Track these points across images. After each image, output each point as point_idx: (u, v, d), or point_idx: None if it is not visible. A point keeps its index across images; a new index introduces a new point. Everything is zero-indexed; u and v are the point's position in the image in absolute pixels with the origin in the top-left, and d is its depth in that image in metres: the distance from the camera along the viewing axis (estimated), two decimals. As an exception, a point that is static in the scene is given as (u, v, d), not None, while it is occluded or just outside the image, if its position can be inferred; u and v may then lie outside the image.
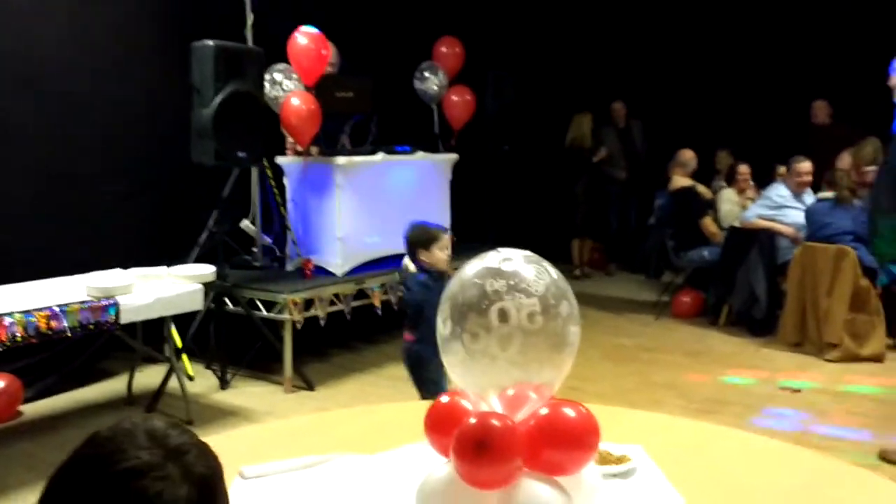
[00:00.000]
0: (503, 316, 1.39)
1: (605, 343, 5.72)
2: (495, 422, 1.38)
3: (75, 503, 0.82)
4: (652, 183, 7.39)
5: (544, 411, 1.44)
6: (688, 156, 6.69)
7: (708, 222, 6.51)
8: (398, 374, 5.04)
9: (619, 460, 1.76)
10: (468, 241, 6.29)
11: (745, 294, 6.12)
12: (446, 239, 3.38)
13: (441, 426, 1.49)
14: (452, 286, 1.47)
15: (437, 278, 3.30)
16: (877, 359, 5.24)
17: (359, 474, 1.74)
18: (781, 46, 7.20)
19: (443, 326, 1.47)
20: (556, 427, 1.40)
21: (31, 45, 4.55)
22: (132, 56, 5.05)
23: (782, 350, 5.50)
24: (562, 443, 1.39)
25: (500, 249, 1.44)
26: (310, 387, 4.79)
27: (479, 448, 1.35)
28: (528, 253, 1.44)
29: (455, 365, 1.46)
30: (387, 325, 5.74)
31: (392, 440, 1.93)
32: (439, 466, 1.47)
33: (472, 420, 1.39)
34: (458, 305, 1.44)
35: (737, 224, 6.31)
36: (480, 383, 1.44)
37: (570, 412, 1.43)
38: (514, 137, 7.03)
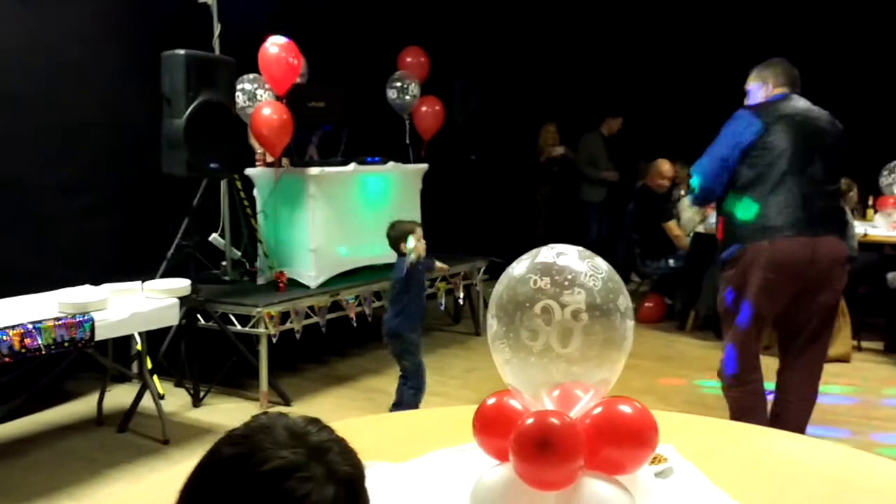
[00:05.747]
0: (555, 313, 1.36)
1: (578, 350, 5.73)
2: (554, 420, 1.35)
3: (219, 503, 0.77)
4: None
5: (598, 410, 1.42)
6: (662, 167, 6.74)
7: (671, 226, 6.59)
8: (375, 387, 5.01)
9: (655, 460, 1.74)
10: (439, 251, 6.27)
11: (710, 299, 6.21)
12: (420, 230, 4.05)
13: (492, 428, 1.46)
14: (501, 284, 1.44)
15: (418, 265, 4.01)
16: (843, 359, 5.37)
17: (395, 482, 1.68)
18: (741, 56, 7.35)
19: (492, 322, 1.44)
20: (616, 425, 1.38)
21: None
22: (94, 65, 4.90)
23: (751, 353, 5.58)
24: (622, 440, 1.37)
25: (552, 245, 1.42)
26: (286, 402, 4.69)
27: (542, 448, 1.32)
28: (580, 249, 1.42)
29: (505, 363, 1.43)
30: (360, 337, 5.68)
31: (415, 448, 1.89)
32: (492, 469, 1.43)
33: (530, 420, 1.36)
34: (506, 303, 1.42)
35: (701, 230, 6.42)
36: (534, 381, 1.42)
37: (627, 409, 1.41)
38: (482, 147, 7.05)
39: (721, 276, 3.52)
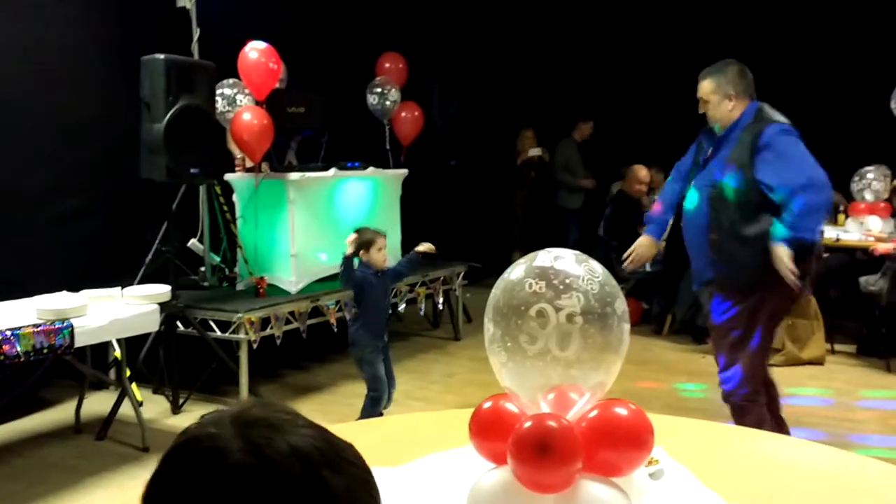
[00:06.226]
0: (550, 316, 1.38)
1: (557, 355, 5.76)
2: (552, 423, 1.37)
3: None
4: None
5: (595, 412, 1.44)
6: (640, 173, 6.81)
7: None
8: (356, 393, 4.98)
9: (647, 462, 1.76)
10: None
11: (687, 303, 6.28)
12: (382, 241, 3.90)
13: (489, 431, 1.47)
14: (498, 288, 1.46)
15: (378, 275, 3.88)
16: (817, 362, 5.45)
17: (390, 486, 1.69)
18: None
19: (489, 326, 1.45)
20: (612, 427, 1.40)
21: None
22: (73, 70, 4.85)
23: (728, 356, 5.65)
24: (619, 443, 1.39)
25: (549, 249, 1.44)
26: (267, 408, 4.65)
27: (542, 451, 1.33)
28: (577, 252, 1.44)
29: (502, 366, 1.44)
30: (340, 343, 5.64)
31: (405, 452, 1.89)
32: (490, 472, 1.44)
33: (529, 423, 1.38)
34: (502, 307, 1.43)
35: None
36: (530, 384, 1.43)
37: (623, 411, 1.43)
38: (461, 152, 7.07)
39: (727, 292, 3.34)
